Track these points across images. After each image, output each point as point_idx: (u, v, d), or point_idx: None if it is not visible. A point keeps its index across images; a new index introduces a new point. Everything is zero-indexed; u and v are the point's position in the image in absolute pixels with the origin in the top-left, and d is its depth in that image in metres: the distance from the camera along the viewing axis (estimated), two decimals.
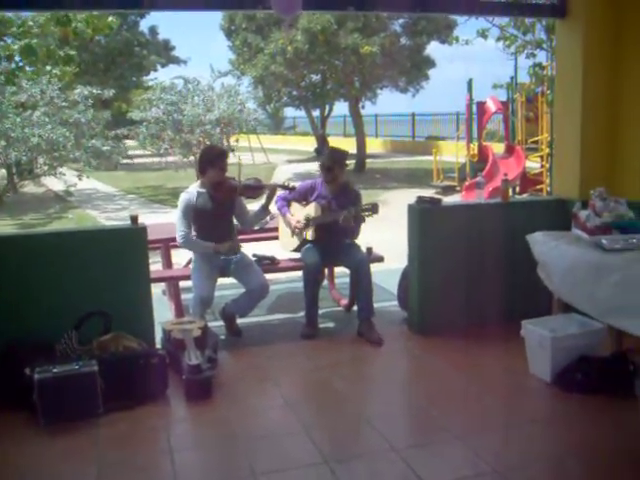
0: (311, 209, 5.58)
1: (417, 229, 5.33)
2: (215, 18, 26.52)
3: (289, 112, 39.35)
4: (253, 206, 5.67)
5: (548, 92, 11.91)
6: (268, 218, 5.66)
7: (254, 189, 5.42)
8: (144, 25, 34.32)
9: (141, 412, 4.11)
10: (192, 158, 17.11)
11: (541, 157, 13.90)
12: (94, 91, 9.99)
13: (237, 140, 20.16)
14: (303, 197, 5.71)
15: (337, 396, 4.36)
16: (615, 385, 4.12)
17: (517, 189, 13.97)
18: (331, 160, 5.58)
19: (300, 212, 5.66)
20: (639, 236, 4.18)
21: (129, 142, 19.09)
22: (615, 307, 3.86)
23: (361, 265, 5.43)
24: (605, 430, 3.73)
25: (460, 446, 3.61)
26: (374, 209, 5.37)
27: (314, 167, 23.46)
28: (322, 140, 22.11)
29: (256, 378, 4.68)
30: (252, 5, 4.85)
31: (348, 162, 5.85)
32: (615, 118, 5.38)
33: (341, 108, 30.02)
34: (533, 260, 4.72)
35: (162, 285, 6.57)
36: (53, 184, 16.45)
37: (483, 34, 11.44)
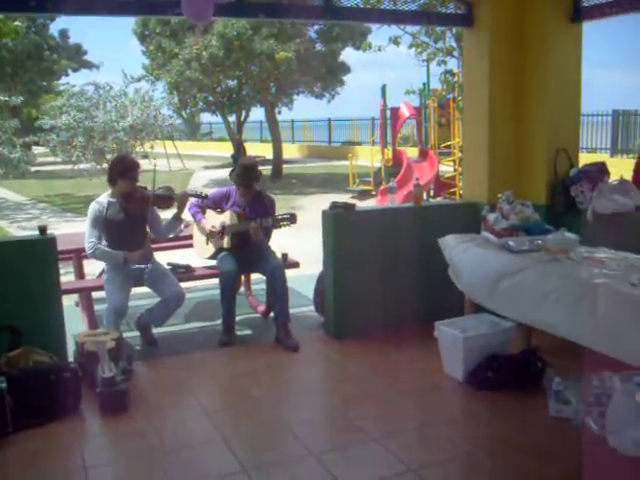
0: (226, 217, 5.55)
1: (331, 234, 5.38)
2: (128, 22, 26.09)
3: (205, 118, 39.04)
4: (167, 214, 5.60)
5: (459, 98, 12.25)
6: (182, 227, 5.61)
7: (166, 199, 5.37)
8: (54, 28, 33.54)
9: (53, 428, 3.99)
10: (105, 165, 16.74)
11: (454, 161, 14.27)
12: (1, 98, 9.63)
13: (152, 147, 19.85)
14: (217, 204, 5.68)
15: (255, 403, 4.35)
16: (524, 382, 4.27)
17: (431, 192, 14.29)
18: (246, 179, 5.57)
19: (215, 220, 5.62)
20: (544, 237, 4.33)
21: (39, 149, 18.54)
22: (514, 304, 4.00)
23: (276, 271, 5.44)
24: (515, 425, 3.86)
25: (377, 447, 3.66)
26: (292, 219, 5.40)
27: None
28: (239, 145, 22.02)
29: (173, 388, 4.61)
30: (163, 11, 4.80)
31: (264, 167, 5.84)
32: (521, 124, 5.59)
33: (257, 113, 30.08)
34: (445, 262, 4.83)
35: (75, 297, 6.39)
36: None
37: (395, 41, 11.67)
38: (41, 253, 4.70)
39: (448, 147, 14.55)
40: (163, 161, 23.62)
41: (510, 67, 5.55)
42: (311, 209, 12.45)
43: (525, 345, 4.68)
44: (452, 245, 4.77)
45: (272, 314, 5.69)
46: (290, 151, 30.05)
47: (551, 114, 5.43)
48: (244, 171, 5.61)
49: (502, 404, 4.12)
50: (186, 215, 5.52)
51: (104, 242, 5.19)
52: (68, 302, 5.25)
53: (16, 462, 3.64)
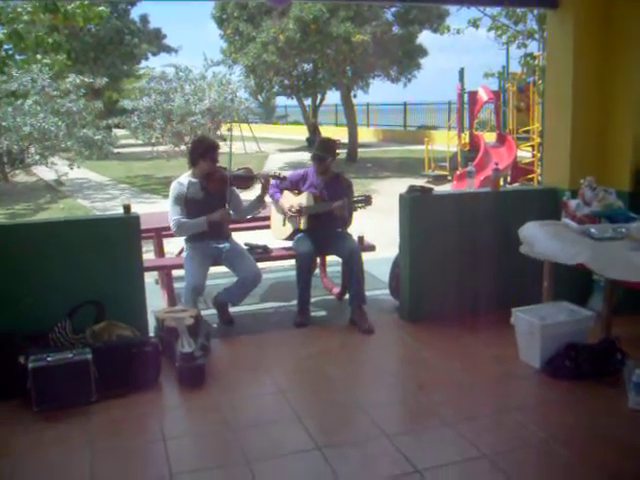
0: (303, 198, 5.61)
1: (408, 218, 5.36)
2: (207, 7, 26.41)
3: (281, 101, 39.27)
4: (244, 195, 5.68)
5: (539, 82, 11.95)
6: (260, 208, 5.69)
7: (245, 179, 5.45)
8: (135, 13, 34.15)
9: (134, 399, 4.14)
10: (183, 147, 17.06)
11: (532, 147, 13.95)
12: (86, 80, 9.95)
13: (229, 129, 20.10)
14: (295, 186, 5.73)
15: (329, 383, 4.40)
16: (603, 372, 4.18)
17: (508, 178, 14.03)
18: (322, 151, 5.61)
19: (292, 201, 5.68)
20: (627, 225, 4.22)
21: (120, 131, 19.05)
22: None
23: (353, 254, 5.46)
24: (592, 416, 3.79)
25: (450, 432, 3.65)
26: (367, 201, 5.42)
27: (306, 156, 23.46)
28: (314, 129, 22.10)
29: (248, 366, 4.71)
30: None
31: (339, 151, 5.87)
32: (605, 109, 5.42)
33: (333, 97, 30.07)
34: None
35: (154, 274, 6.58)
36: (44, 173, 16.40)
37: (475, 24, 11.46)
38: (125, 231, 4.86)
39: (527, 132, 14.23)
40: (239, 144, 23.92)
41: (595, 49, 5.37)
42: (386, 193, 12.41)
43: (604, 335, 4.57)
44: (528, 227, 4.71)
45: (347, 296, 5.73)
46: (365, 135, 29.95)
47: (637, 98, 5.25)
48: (321, 144, 5.68)
49: (579, 394, 4.05)
50: (266, 197, 5.59)
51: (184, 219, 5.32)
52: (148, 280, 5.39)
53: (99, 429, 3.79)
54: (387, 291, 6.03)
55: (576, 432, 3.61)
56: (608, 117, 5.41)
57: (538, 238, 4.52)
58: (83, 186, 17.97)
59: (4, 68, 10.22)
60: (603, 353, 4.26)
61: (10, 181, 11.20)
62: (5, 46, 12.16)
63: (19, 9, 12.36)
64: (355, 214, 5.62)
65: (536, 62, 11.59)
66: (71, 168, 10.30)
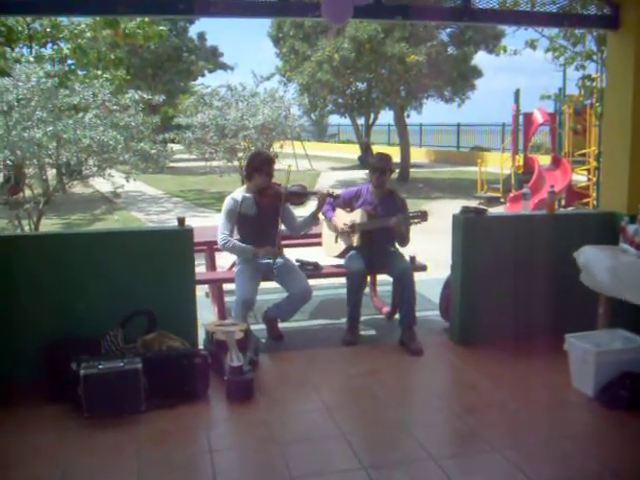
0: (356, 215, 5.61)
1: (461, 239, 5.31)
2: (263, 25, 26.80)
3: (333, 119, 39.45)
4: (297, 211, 5.71)
5: (597, 104, 11.74)
6: (314, 225, 5.71)
7: (299, 196, 5.48)
8: (193, 31, 34.87)
9: (182, 411, 4.17)
10: (236, 163, 17.25)
11: (588, 170, 13.70)
12: (145, 96, 10.18)
13: (282, 146, 20.27)
14: (348, 204, 5.73)
15: (376, 403, 4.37)
16: None
17: (562, 202, 13.80)
18: (382, 163, 5.62)
19: (345, 219, 5.68)
20: None
21: (175, 146, 19.36)
22: None
23: (405, 273, 5.43)
24: None
25: (498, 458, 3.58)
26: (423, 217, 5.40)
27: (357, 175, 23.51)
28: (367, 148, 22.13)
29: (296, 382, 4.71)
30: (303, 13, 4.92)
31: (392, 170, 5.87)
32: None
33: (386, 117, 30.09)
34: (578, 273, 4.68)
35: (205, 287, 6.64)
36: (101, 185, 16.76)
37: (532, 45, 11.32)
38: (179, 243, 4.92)
39: (583, 155, 13.99)
40: (291, 161, 24.09)
41: None
42: (437, 214, 12.29)
43: None
44: (586, 253, 4.62)
45: (397, 316, 5.69)
46: (417, 155, 29.87)
47: None
48: (379, 157, 5.73)
49: (635, 425, 3.93)
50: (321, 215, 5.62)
51: (236, 236, 5.38)
52: (199, 293, 5.45)
53: (147, 439, 3.82)
54: (437, 312, 5.98)
55: (628, 464, 3.51)
56: None
57: (599, 269, 4.44)
58: (137, 199, 18.33)
59: (67, 82, 10.51)
60: None
61: (67, 192, 11.50)
62: (68, 61, 12.58)
63: (82, 25, 12.77)
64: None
65: (594, 84, 11.39)
66: (127, 180, 10.51)
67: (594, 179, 12.92)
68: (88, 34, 12.08)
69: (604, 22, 5.69)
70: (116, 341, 4.52)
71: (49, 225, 12.57)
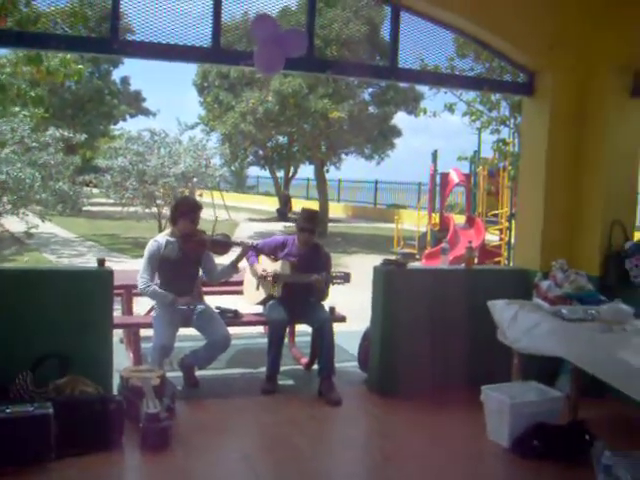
0: (279, 265, 5.61)
1: (382, 290, 5.39)
2: (188, 74, 26.89)
3: (253, 171, 39.62)
4: (218, 260, 5.68)
5: (510, 167, 12.27)
6: (234, 273, 5.68)
7: (223, 246, 5.47)
8: (116, 74, 34.57)
9: (95, 459, 4.00)
10: (154, 209, 17.07)
11: (500, 230, 14.19)
12: (66, 134, 9.99)
13: (201, 195, 20.18)
14: (273, 252, 5.74)
15: (295, 452, 4.31)
16: (571, 453, 4.17)
17: (475, 260, 14.19)
18: (310, 223, 5.66)
19: (268, 266, 5.68)
20: (598, 307, 4.30)
21: (92, 190, 19.01)
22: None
23: (324, 324, 5.45)
24: None
25: None
26: (346, 278, 5.47)
27: (275, 227, 23.58)
28: (287, 201, 22.30)
29: (213, 430, 4.61)
30: (235, 60, 4.98)
31: None
32: (577, 194, 5.59)
33: (305, 171, 30.40)
34: (494, 326, 4.80)
35: (119, 333, 6.46)
36: (11, 225, 16.24)
37: (450, 108, 11.77)
38: (98, 285, 4.80)
39: (495, 215, 14.51)
40: (209, 210, 23.98)
41: (568, 137, 5.58)
42: (355, 268, 12.44)
43: (572, 416, 4.58)
44: (502, 309, 4.76)
45: (315, 366, 5.67)
46: (335, 210, 30.22)
47: (607, 186, 5.44)
48: (309, 216, 5.72)
49: (548, 475, 4.03)
50: (241, 264, 5.59)
51: (157, 280, 5.29)
52: (113, 339, 5.30)
53: None
54: (355, 363, 6.00)
55: None
56: (580, 202, 5.58)
57: (511, 327, 4.59)
58: (50, 240, 17.77)
59: None
60: (572, 434, 4.26)
61: None
62: None
63: (3, 60, 12.47)
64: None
65: (507, 148, 11.92)
66: (43, 220, 10.22)
67: (506, 239, 13.38)
68: (8, 69, 11.79)
69: (520, 88, 6.02)
70: (25, 385, 4.33)
71: None
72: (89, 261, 13.47)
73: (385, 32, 5.35)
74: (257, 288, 5.74)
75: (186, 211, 5.30)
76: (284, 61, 4.66)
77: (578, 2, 5.50)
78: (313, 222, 5.71)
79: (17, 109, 12.46)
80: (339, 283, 5.47)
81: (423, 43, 5.60)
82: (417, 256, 16.23)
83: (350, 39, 17.20)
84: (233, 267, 5.53)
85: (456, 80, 6.09)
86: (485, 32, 5.48)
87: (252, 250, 5.65)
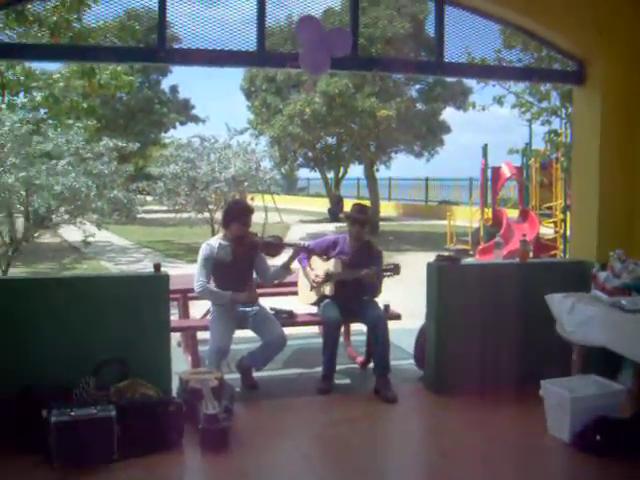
0: (332, 264, 5.62)
1: (435, 287, 5.35)
2: (236, 79, 27.10)
3: (303, 173, 39.76)
4: (271, 262, 5.72)
5: (562, 159, 12.04)
6: (287, 275, 5.72)
7: (275, 247, 5.52)
8: (165, 84, 35.09)
9: (155, 460, 4.08)
10: (207, 215, 17.27)
11: (555, 223, 13.95)
12: (119, 144, 10.21)
13: (252, 198, 20.35)
14: (324, 252, 5.75)
15: (352, 451, 4.32)
16: (636, 447, 4.07)
17: (530, 254, 13.97)
18: (362, 216, 5.68)
19: (320, 266, 5.70)
20: None
21: (145, 197, 19.33)
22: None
23: (379, 321, 5.44)
24: None
25: None
26: (396, 270, 5.45)
27: (327, 228, 23.61)
28: (338, 201, 22.35)
29: (272, 431, 4.65)
30: (281, 63, 5.02)
31: None
32: (632, 183, 5.46)
33: (355, 171, 30.39)
34: (551, 320, 4.73)
35: (176, 337, 6.56)
36: (69, 234, 16.62)
37: (499, 101, 11.62)
38: (154, 289, 4.88)
39: (549, 208, 14.26)
40: (261, 213, 24.18)
41: (622, 124, 5.46)
42: (408, 265, 12.38)
43: (636, 409, 4.47)
44: (559, 301, 4.69)
45: (371, 365, 5.67)
46: (386, 209, 30.17)
47: None
48: (360, 209, 5.75)
49: (611, 470, 3.94)
50: (294, 264, 5.63)
51: (212, 282, 5.36)
52: (171, 342, 5.39)
53: None
54: (411, 361, 5.97)
55: None
56: (636, 191, 5.44)
57: (569, 320, 4.52)
58: (106, 249, 18.19)
59: (41, 129, 10.53)
60: (635, 428, 4.16)
61: (36, 240, 11.38)
62: (41, 110, 12.57)
63: (56, 75, 12.82)
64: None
65: (559, 139, 11.70)
66: (99, 229, 10.46)
67: (561, 231, 13.15)
68: (61, 83, 12.11)
69: (570, 77, 5.89)
70: (88, 389, 4.43)
71: (17, 273, 12.38)
72: (146, 267, 13.73)
73: (429, 28, 5.33)
74: (311, 289, 5.76)
75: (238, 214, 5.37)
76: (330, 61, 4.68)
77: None
78: (364, 214, 5.72)
79: (71, 121, 12.82)
80: (389, 275, 5.47)
81: (469, 36, 5.54)
82: (471, 252, 16.09)
83: (395, 36, 17.17)
84: (285, 269, 5.57)
85: (503, 72, 6.02)
86: (532, 22, 5.40)
87: (304, 251, 5.68)
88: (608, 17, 5.35)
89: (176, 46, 4.93)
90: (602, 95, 5.47)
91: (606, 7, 5.35)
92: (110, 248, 18.54)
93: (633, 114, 5.43)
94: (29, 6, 5.78)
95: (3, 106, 11.46)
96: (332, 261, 5.64)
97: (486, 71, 6.00)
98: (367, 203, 23.94)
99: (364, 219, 5.69)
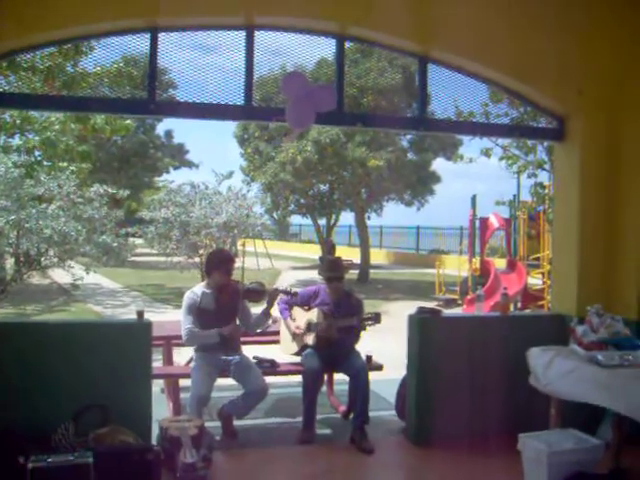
0: (313, 314, 5.67)
1: (417, 338, 5.40)
2: (230, 126, 27.35)
3: (295, 219, 39.97)
4: (256, 309, 5.76)
5: (549, 211, 12.22)
6: (270, 322, 5.76)
7: (257, 293, 5.56)
8: (160, 129, 35.48)
9: None
10: (197, 259, 17.31)
11: (542, 274, 14.07)
12: (110, 190, 10.33)
13: (243, 244, 20.42)
14: (306, 302, 5.82)
15: None
16: None
17: (519, 304, 14.06)
18: (337, 272, 5.75)
19: (302, 317, 5.75)
20: (635, 353, 4.25)
21: (137, 240, 19.40)
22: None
23: (360, 372, 5.47)
24: None
25: None
26: (376, 319, 5.51)
27: (318, 275, 23.62)
28: (331, 247, 22.43)
29: None
30: (267, 117, 5.14)
31: (352, 272, 6.00)
32: (612, 238, 5.54)
33: (347, 218, 30.55)
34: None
35: (160, 383, 6.56)
36: (59, 276, 16.64)
37: (487, 153, 11.87)
38: (137, 337, 4.91)
39: (537, 259, 14.40)
40: (252, 259, 24.25)
41: (602, 181, 5.56)
42: (396, 314, 12.44)
43: (614, 465, 4.48)
44: (537, 356, 4.73)
45: (352, 415, 5.68)
46: (377, 256, 30.26)
47: None
48: (333, 264, 5.81)
49: None
50: (275, 311, 5.67)
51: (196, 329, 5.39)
52: (154, 388, 5.39)
53: None
54: (393, 412, 5.97)
55: None
56: (615, 246, 5.53)
57: (546, 373, 4.56)
58: (96, 291, 18.16)
59: (32, 173, 10.65)
60: None
61: (24, 282, 11.41)
62: (35, 152, 12.73)
63: (52, 118, 13.01)
64: (364, 334, 5.68)
65: (546, 191, 11.90)
66: (87, 273, 10.51)
67: (549, 282, 13.23)
68: (57, 127, 12.27)
69: (551, 134, 6.04)
70: (67, 434, 4.43)
71: (3, 314, 12.34)
72: (132, 312, 13.70)
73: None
74: (293, 339, 5.80)
75: (218, 263, 5.43)
76: (314, 116, 4.80)
77: (609, 46, 5.51)
78: (338, 270, 5.79)
79: (65, 164, 12.96)
80: (370, 324, 5.52)
81: (455, 92, 5.67)
82: (459, 301, 16.14)
83: (386, 88, 17.47)
84: (265, 315, 5.61)
85: (487, 128, 6.18)
86: (514, 81, 5.54)
87: (285, 295, 5.74)
88: (587, 75, 5.50)
89: (169, 94, 5.04)
90: (581, 149, 5.57)
91: (585, 67, 5.51)
92: (100, 291, 18.52)
93: (612, 167, 5.52)
94: (24, 56, 5.91)
95: None
96: (314, 311, 5.69)
97: (470, 127, 6.14)
98: (358, 251, 24.08)
99: (340, 275, 5.76)
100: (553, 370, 4.49)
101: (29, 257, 9.57)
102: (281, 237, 44.61)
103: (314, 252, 31.77)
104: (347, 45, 5.27)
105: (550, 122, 5.99)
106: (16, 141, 13.85)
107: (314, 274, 23.61)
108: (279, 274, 24.78)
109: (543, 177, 12.22)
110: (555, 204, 6.18)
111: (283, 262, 30.02)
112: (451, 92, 5.69)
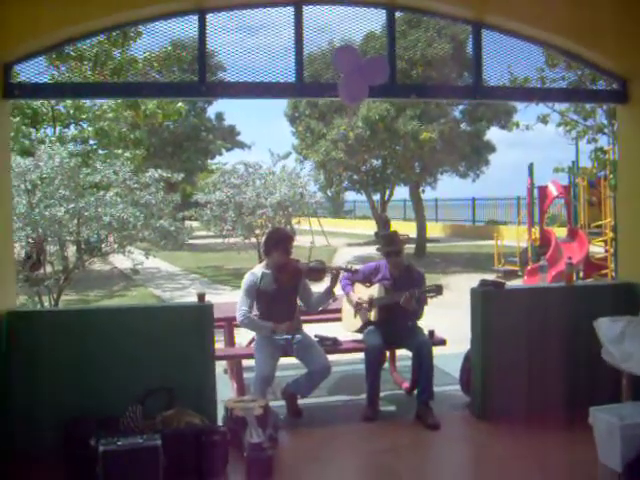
0: (374, 290, 5.62)
1: (480, 312, 5.30)
2: (280, 105, 27.34)
3: (349, 196, 39.81)
4: (317, 287, 5.74)
5: (611, 176, 11.82)
6: (331, 301, 5.72)
7: (318, 272, 5.52)
8: (211, 111, 35.70)
9: None
10: (253, 240, 17.41)
11: (605, 241, 13.68)
12: (164, 174, 10.42)
13: (299, 222, 20.43)
14: (367, 278, 5.77)
15: None
16: None
17: (581, 274, 13.73)
18: (394, 245, 5.67)
19: (363, 293, 5.70)
20: None
21: (193, 223, 19.65)
22: None
23: (423, 347, 5.41)
24: None
25: None
26: (438, 290, 5.42)
27: (374, 251, 23.56)
28: (385, 223, 22.29)
29: (316, 459, 4.64)
30: (319, 93, 5.07)
31: (408, 246, 5.91)
32: None
33: (401, 192, 30.29)
34: (598, 345, 4.63)
35: (223, 364, 6.62)
36: (119, 262, 16.97)
37: (544, 120, 11.51)
38: (199, 319, 4.95)
39: (599, 227, 14.00)
40: (308, 237, 24.29)
41: None
42: (455, 288, 12.29)
43: None
44: (607, 327, 4.59)
45: (416, 391, 5.63)
46: (433, 230, 29.98)
47: None
48: (389, 239, 5.72)
49: None
50: (338, 289, 5.63)
51: (255, 312, 5.40)
52: (217, 369, 5.43)
53: None
54: (458, 387, 5.90)
55: None
56: None
57: (618, 346, 4.41)
58: (155, 275, 18.46)
59: (88, 161, 10.81)
60: None
61: (86, 268, 11.65)
62: (90, 141, 12.98)
63: (104, 107, 13.21)
64: (425, 308, 5.60)
65: (606, 156, 11.50)
66: (147, 257, 10.66)
67: (611, 250, 12.89)
68: (110, 115, 12.46)
69: (613, 96, 5.81)
70: (135, 418, 4.49)
71: (67, 301, 12.64)
72: (190, 294, 13.89)
73: (470, 48, 5.31)
74: (355, 316, 5.76)
75: (278, 242, 5.40)
76: (367, 90, 4.72)
77: None
78: (395, 244, 5.70)
79: (120, 151, 13.14)
80: (432, 296, 5.44)
81: (509, 58, 5.52)
82: (519, 273, 15.86)
83: (435, 58, 17.15)
84: (328, 294, 5.57)
85: (544, 93, 5.96)
86: (571, 42, 5.35)
87: (346, 272, 5.69)
88: None
89: (216, 79, 5.02)
90: None
91: None
92: (159, 275, 18.81)
93: None
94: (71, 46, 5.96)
95: (54, 139, 11.82)
96: (375, 287, 5.64)
97: (526, 93, 5.94)
98: (414, 224, 23.89)
99: (397, 249, 5.67)
100: (625, 343, 4.34)
101: (90, 244, 9.74)
102: (335, 214, 44.57)
103: (369, 228, 31.63)
104: (397, 15, 5.14)
105: (611, 84, 5.76)
106: (71, 131, 14.17)
107: (370, 250, 23.54)
108: (335, 251, 24.78)
109: (603, 142, 11.80)
110: (618, 169, 5.96)
111: (339, 239, 30.00)
112: (505, 58, 5.53)
